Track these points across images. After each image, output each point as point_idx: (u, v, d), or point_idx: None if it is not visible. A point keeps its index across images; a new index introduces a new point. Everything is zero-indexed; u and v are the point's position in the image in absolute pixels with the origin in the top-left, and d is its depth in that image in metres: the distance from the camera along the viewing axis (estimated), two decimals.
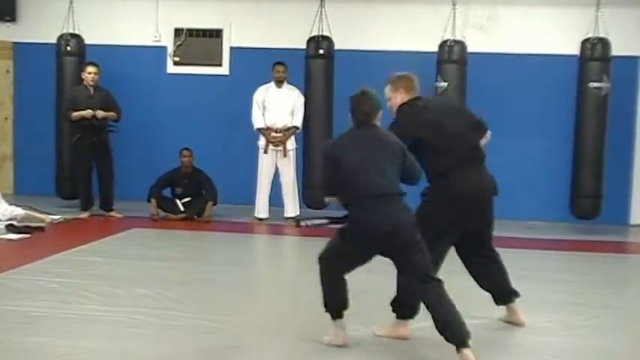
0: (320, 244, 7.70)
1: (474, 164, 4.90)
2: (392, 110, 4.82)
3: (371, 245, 4.30)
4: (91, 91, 8.62)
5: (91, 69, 8.63)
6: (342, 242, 4.39)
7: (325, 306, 4.45)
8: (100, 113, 8.47)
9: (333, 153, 4.41)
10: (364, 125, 4.40)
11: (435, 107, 4.94)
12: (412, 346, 4.53)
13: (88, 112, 8.43)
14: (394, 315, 4.68)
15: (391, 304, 4.68)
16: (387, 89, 4.85)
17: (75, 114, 8.46)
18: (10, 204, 8.10)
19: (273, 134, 8.74)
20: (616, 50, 8.55)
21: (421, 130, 4.65)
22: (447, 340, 4.15)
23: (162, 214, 8.76)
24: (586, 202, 8.68)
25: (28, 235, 7.41)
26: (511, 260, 7.05)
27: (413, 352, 4.46)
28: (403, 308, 4.64)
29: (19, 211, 7.94)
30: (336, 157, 4.35)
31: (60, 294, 5.32)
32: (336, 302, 4.44)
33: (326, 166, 4.51)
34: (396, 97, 4.80)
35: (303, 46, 8.93)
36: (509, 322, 5.03)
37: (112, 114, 8.59)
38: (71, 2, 9.32)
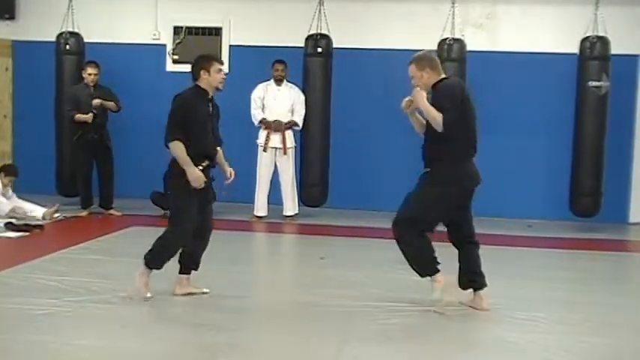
0: (319, 242, 7.74)
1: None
2: (415, 87, 5.09)
3: None
4: (92, 89, 8.62)
5: (90, 70, 8.62)
6: None
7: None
8: (96, 101, 8.45)
9: None
10: None
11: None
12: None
13: (89, 116, 8.44)
14: None
15: None
16: (412, 68, 5.11)
17: (78, 115, 8.45)
18: None
19: (277, 121, 8.68)
20: (615, 49, 8.54)
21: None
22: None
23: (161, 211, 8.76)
24: (586, 200, 8.68)
25: (27, 234, 7.41)
26: (511, 258, 7.12)
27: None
28: None
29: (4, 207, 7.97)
30: None
31: (59, 292, 5.31)
32: None
33: None
34: (423, 77, 5.07)
35: (302, 44, 8.93)
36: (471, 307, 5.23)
37: (110, 103, 8.56)
38: (70, 0, 9.31)
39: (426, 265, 5.12)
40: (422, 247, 5.10)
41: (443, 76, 5.15)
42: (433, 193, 5.03)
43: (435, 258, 5.11)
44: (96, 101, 8.47)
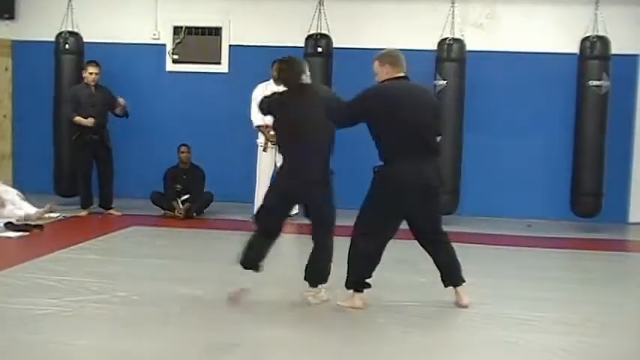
0: None
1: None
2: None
3: None
4: (92, 89, 8.63)
5: (92, 69, 8.62)
6: None
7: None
8: (121, 100, 8.53)
9: None
10: None
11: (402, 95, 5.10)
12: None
13: (89, 121, 8.44)
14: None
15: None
16: (375, 64, 5.23)
17: (78, 118, 8.46)
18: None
19: (272, 132, 8.72)
20: (615, 49, 8.54)
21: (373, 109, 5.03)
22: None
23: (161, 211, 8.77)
24: (586, 200, 8.67)
25: (26, 233, 7.41)
26: (512, 258, 7.12)
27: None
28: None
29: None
30: None
31: (58, 292, 5.31)
32: None
33: None
34: (382, 72, 5.19)
35: (302, 44, 8.92)
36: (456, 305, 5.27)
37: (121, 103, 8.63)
38: (70, 0, 9.31)
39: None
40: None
41: (400, 75, 5.17)
42: (377, 195, 5.10)
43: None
44: (121, 100, 8.50)
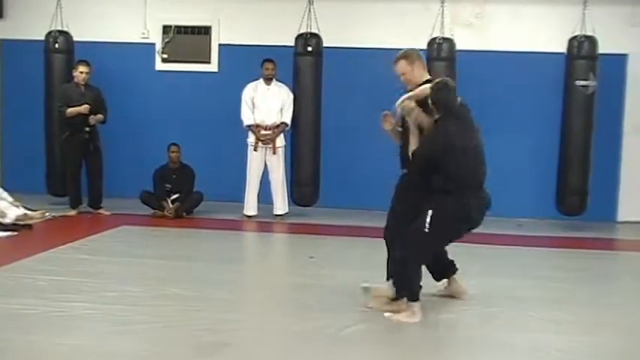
0: (309, 241, 7.74)
1: None
2: (408, 84, 5.13)
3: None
4: (82, 89, 8.62)
5: (82, 68, 8.60)
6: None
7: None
8: (92, 119, 8.50)
9: None
10: None
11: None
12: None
13: (84, 107, 8.42)
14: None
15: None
16: (403, 63, 5.10)
17: (70, 110, 8.45)
18: None
19: (263, 132, 8.74)
20: (603, 48, 8.57)
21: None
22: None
23: (150, 211, 8.76)
24: (573, 199, 8.71)
25: (15, 233, 7.38)
26: (499, 257, 7.14)
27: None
28: None
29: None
30: None
31: (47, 292, 5.29)
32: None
33: None
34: (413, 72, 5.11)
35: (292, 43, 8.93)
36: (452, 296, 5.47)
37: (99, 117, 8.59)
38: None
39: None
40: None
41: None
42: None
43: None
44: (97, 117, 8.52)
